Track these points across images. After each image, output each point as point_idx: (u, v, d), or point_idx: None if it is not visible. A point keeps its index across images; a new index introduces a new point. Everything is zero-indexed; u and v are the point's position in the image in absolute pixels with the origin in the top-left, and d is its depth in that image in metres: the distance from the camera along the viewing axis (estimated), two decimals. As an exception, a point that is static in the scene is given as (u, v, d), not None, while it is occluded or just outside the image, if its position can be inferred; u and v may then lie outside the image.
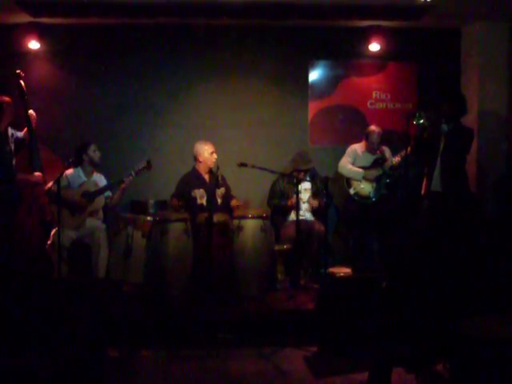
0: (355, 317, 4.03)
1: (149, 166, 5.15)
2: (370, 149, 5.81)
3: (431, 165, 4.94)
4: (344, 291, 4.20)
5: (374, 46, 6.15)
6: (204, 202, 5.33)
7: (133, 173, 5.10)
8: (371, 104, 6.40)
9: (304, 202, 5.64)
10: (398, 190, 5.70)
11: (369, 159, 5.81)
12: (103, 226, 5.16)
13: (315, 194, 5.68)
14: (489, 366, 2.79)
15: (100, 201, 5.20)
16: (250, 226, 4.98)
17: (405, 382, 3.55)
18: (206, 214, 4.80)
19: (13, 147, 5.18)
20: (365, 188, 5.76)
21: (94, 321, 3.76)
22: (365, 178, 5.73)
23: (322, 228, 5.38)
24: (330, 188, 5.20)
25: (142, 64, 6.15)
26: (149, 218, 5.06)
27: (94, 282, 4.58)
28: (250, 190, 6.01)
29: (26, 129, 5.34)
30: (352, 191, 5.79)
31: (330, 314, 4.18)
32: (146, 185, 5.85)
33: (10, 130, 5.19)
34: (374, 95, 6.40)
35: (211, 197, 5.23)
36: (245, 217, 5.02)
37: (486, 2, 5.44)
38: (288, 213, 5.62)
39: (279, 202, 5.62)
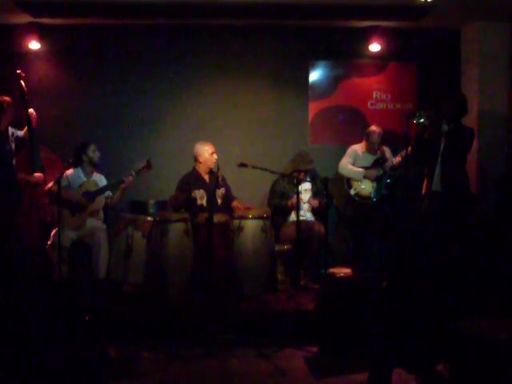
0: (355, 317, 4.03)
1: (149, 165, 5.14)
2: (370, 149, 5.81)
3: (431, 165, 4.94)
4: (344, 291, 4.20)
5: (374, 47, 6.15)
6: (204, 202, 5.33)
7: (133, 172, 5.09)
8: (371, 104, 6.40)
9: (304, 203, 5.64)
10: (398, 190, 5.70)
11: (369, 159, 5.81)
12: (103, 227, 5.15)
13: (315, 194, 5.68)
14: (489, 366, 2.79)
15: (100, 201, 5.19)
16: (250, 227, 4.98)
17: (405, 382, 3.55)
18: (206, 215, 4.79)
19: (13, 146, 5.18)
20: (365, 188, 5.76)
21: (94, 321, 3.75)
22: (365, 179, 5.73)
23: (322, 229, 5.38)
24: (330, 188, 5.20)
25: (141, 64, 6.16)
26: (149, 219, 5.06)
27: (94, 282, 4.58)
28: (250, 190, 6.00)
29: (26, 128, 5.34)
30: (353, 192, 5.79)
31: (330, 315, 4.18)
32: (146, 185, 5.86)
33: (11, 129, 5.19)
34: (374, 95, 6.40)
35: (211, 197, 5.23)
36: (245, 217, 5.02)
37: (486, 1, 5.45)
38: (288, 213, 5.62)
39: (279, 203, 5.61)
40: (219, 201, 5.37)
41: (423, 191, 5.07)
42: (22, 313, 3.65)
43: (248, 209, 5.33)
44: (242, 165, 5.02)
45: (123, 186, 5.11)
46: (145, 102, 6.17)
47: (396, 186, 5.71)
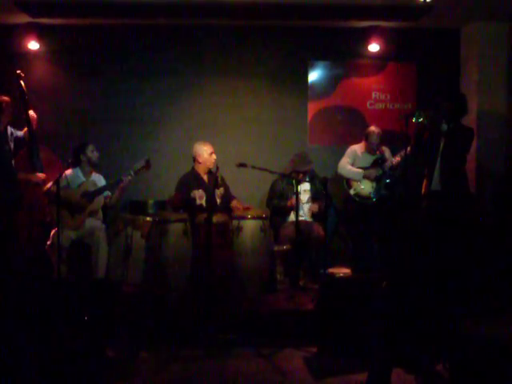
0: (354, 317, 4.03)
1: (148, 165, 5.13)
2: (369, 149, 5.81)
3: (431, 165, 4.94)
4: (343, 291, 4.20)
5: (374, 47, 6.15)
6: (203, 202, 5.32)
7: (132, 172, 5.09)
8: (371, 104, 6.40)
9: (303, 203, 5.63)
10: (398, 190, 5.69)
11: (368, 160, 5.80)
12: (103, 226, 5.15)
13: (314, 196, 5.67)
14: (489, 366, 2.79)
15: (99, 201, 5.19)
16: (250, 227, 4.98)
17: (405, 382, 3.55)
18: (205, 215, 4.79)
19: (12, 146, 5.18)
20: (365, 188, 5.76)
21: (93, 321, 3.75)
22: (365, 179, 5.73)
23: (322, 232, 5.34)
24: (330, 188, 5.18)
25: (141, 64, 6.16)
26: (148, 219, 5.05)
27: (94, 282, 4.57)
28: (249, 190, 6.01)
29: (26, 128, 5.34)
30: (352, 192, 5.79)
31: (329, 315, 4.18)
32: (146, 185, 5.86)
33: (10, 129, 5.19)
34: (373, 95, 6.40)
35: (210, 197, 5.23)
36: (244, 217, 5.02)
37: (486, 1, 5.45)
38: (287, 213, 5.62)
39: (278, 203, 5.61)
40: (218, 201, 5.37)
41: (423, 191, 5.07)
42: (21, 313, 3.65)
43: (247, 209, 5.33)
44: (241, 165, 5.02)
45: (122, 185, 5.11)
46: (144, 102, 6.17)
47: (395, 186, 5.71)
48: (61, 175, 4.69)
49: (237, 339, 4.29)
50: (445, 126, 4.87)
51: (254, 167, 5.05)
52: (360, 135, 5.92)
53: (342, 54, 6.36)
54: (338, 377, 3.79)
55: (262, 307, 4.73)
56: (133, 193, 5.64)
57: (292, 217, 5.48)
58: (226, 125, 6.22)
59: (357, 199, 5.78)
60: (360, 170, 5.75)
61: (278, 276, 5.32)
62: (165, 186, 5.74)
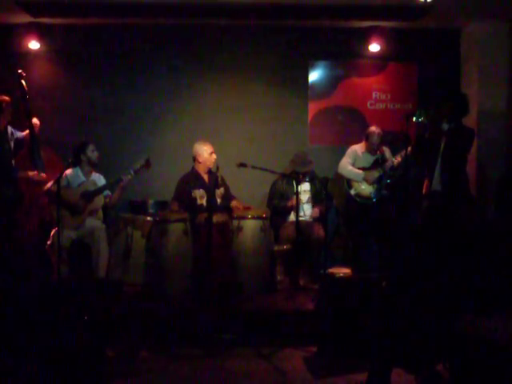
0: (355, 317, 4.03)
1: (148, 164, 5.13)
2: (370, 150, 5.80)
3: (431, 164, 4.93)
4: (344, 292, 4.19)
5: (374, 47, 6.15)
6: (204, 202, 5.33)
7: (131, 171, 5.09)
8: (371, 104, 6.40)
9: (303, 203, 5.63)
10: (398, 191, 5.69)
11: (369, 160, 5.80)
12: (103, 226, 5.14)
13: (314, 196, 5.67)
14: (489, 366, 2.79)
15: (99, 200, 5.19)
16: (250, 227, 4.98)
17: (405, 382, 3.54)
18: (205, 215, 4.80)
19: (12, 145, 5.18)
20: (365, 189, 5.75)
21: (94, 321, 3.75)
22: (365, 179, 5.72)
23: (322, 232, 5.33)
24: (330, 188, 5.18)
25: (141, 64, 6.16)
26: (148, 219, 5.06)
27: (94, 282, 4.57)
28: (249, 190, 6.00)
29: (27, 131, 5.34)
30: (353, 192, 5.79)
31: (329, 315, 4.18)
32: (146, 185, 5.86)
33: (10, 129, 5.19)
34: (373, 96, 6.40)
35: (211, 197, 5.23)
36: (244, 217, 5.02)
37: (486, 1, 5.44)
38: (287, 213, 5.62)
39: (279, 203, 5.61)
40: (219, 200, 5.37)
41: (423, 191, 5.06)
42: (21, 313, 3.65)
43: (247, 209, 5.34)
44: (242, 165, 5.02)
45: (122, 184, 5.10)
46: (144, 101, 6.17)
47: (396, 186, 5.70)
48: (61, 175, 4.69)
49: (237, 339, 4.29)
50: (445, 126, 4.86)
51: (254, 167, 5.05)
52: (360, 135, 5.92)
53: (343, 54, 6.36)
54: (337, 377, 3.79)
55: (262, 307, 4.73)
56: (133, 193, 5.64)
57: (292, 217, 5.48)
58: (226, 124, 6.21)
59: (357, 199, 5.78)
60: (360, 172, 5.74)
61: (278, 276, 5.33)
62: (165, 185, 5.73)
